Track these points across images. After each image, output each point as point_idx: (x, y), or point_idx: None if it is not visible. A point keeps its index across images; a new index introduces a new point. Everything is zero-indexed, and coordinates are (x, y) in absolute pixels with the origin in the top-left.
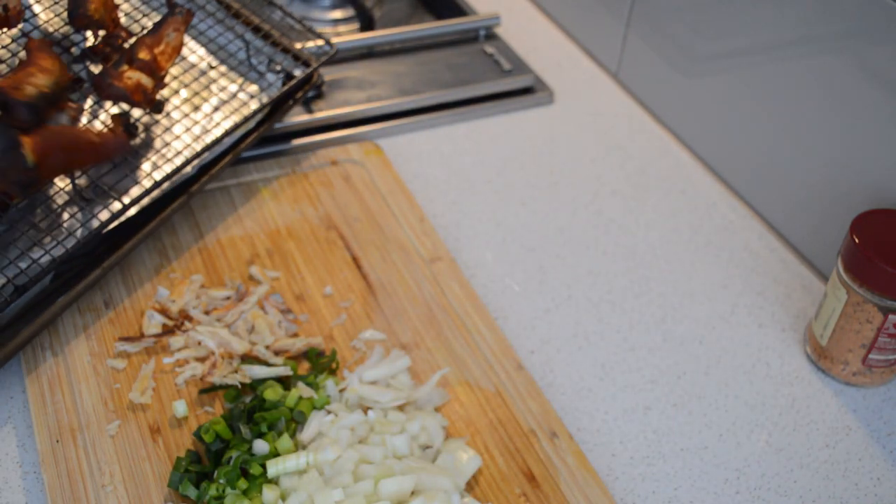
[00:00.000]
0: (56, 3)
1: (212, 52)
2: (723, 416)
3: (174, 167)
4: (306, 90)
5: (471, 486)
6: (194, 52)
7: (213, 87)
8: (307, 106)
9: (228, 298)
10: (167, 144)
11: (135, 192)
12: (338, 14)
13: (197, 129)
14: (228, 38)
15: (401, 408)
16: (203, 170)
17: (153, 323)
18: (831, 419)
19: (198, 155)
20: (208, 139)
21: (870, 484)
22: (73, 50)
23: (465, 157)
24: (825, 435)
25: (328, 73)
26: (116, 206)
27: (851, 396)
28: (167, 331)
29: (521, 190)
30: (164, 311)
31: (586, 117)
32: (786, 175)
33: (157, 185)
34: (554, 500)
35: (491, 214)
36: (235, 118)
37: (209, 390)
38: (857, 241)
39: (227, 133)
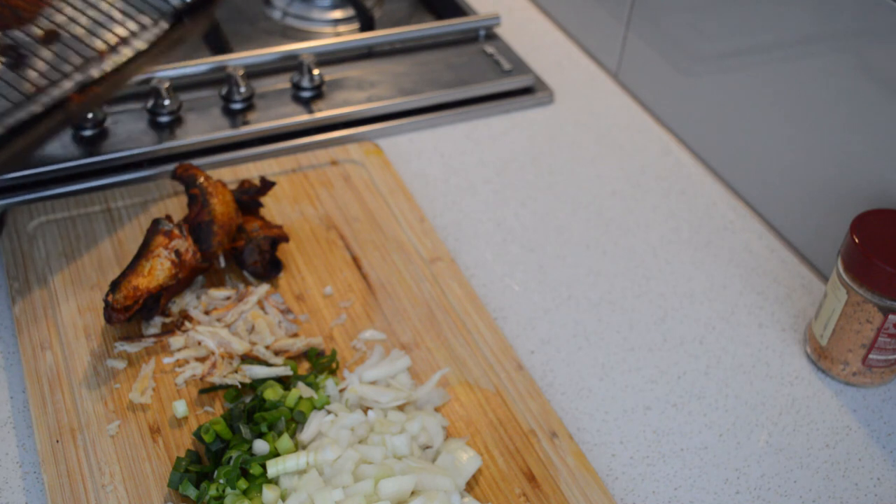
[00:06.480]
0: None
1: None
2: (723, 416)
3: (49, 82)
4: (212, 11)
5: (471, 486)
6: None
7: (108, 8)
8: (307, 106)
9: (228, 298)
10: (53, 68)
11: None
12: (338, 14)
13: (87, 52)
14: None
15: (401, 408)
16: (84, 88)
17: (153, 323)
18: (831, 419)
19: (77, 69)
20: (90, 55)
21: (870, 484)
22: None
23: (465, 157)
24: (825, 435)
25: (328, 73)
26: None
27: (851, 396)
28: (167, 331)
29: (521, 190)
30: (164, 312)
31: (586, 117)
32: (786, 175)
33: (28, 99)
34: (554, 500)
35: (491, 214)
36: (124, 33)
37: (209, 390)
38: (857, 241)
39: (113, 48)
